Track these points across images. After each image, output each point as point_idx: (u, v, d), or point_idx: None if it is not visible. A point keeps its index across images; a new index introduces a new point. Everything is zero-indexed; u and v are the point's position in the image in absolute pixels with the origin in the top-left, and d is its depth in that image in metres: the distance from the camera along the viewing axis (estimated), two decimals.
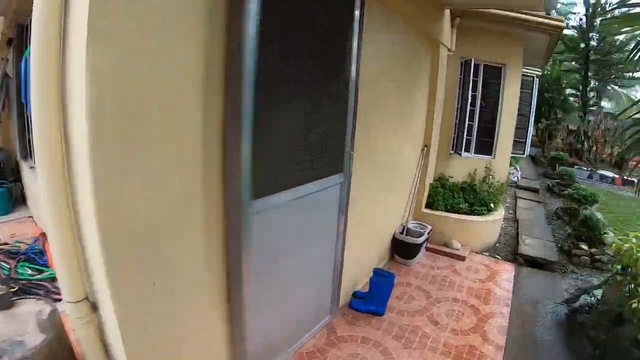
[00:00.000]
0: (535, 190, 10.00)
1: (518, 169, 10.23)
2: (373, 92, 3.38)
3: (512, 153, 6.88)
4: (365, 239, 3.98)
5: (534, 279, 5.14)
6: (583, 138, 15.69)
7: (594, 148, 15.83)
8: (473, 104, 5.92)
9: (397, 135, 4.30)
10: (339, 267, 3.27)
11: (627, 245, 3.55)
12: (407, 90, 4.42)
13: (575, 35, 17.08)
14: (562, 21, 5.68)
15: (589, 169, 14.45)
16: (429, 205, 5.62)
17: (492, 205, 5.81)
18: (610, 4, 16.32)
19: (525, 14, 5.37)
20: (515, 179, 10.04)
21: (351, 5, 2.54)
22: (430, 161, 5.51)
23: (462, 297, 4.21)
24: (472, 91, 5.83)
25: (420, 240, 4.74)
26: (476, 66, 5.81)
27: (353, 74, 2.69)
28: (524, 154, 7.59)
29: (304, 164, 2.39)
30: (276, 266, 2.41)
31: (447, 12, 5.04)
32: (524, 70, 6.56)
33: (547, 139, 15.33)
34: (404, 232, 4.93)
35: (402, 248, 4.76)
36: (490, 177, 6.21)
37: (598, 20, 16.25)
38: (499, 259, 5.51)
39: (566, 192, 10.13)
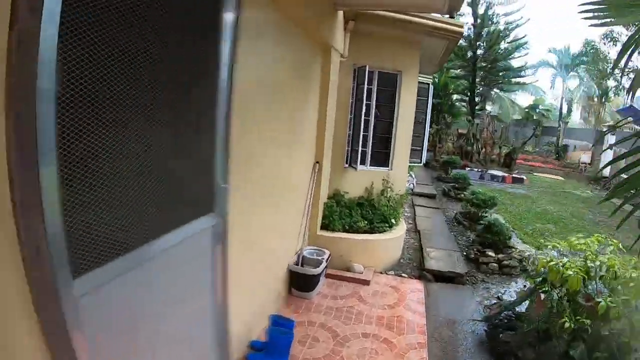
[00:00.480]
0: (432, 197, 10.43)
1: (413, 175, 10.63)
2: (254, 106, 2.92)
3: (409, 162, 6.96)
4: (256, 279, 3.50)
5: (446, 296, 5.11)
6: (473, 141, 17.10)
7: (484, 149, 17.33)
8: (368, 113, 5.76)
9: (285, 153, 3.89)
10: (223, 321, 2.76)
11: (553, 261, 3.55)
12: (295, 101, 4.04)
13: (464, 44, 18.65)
14: (461, 26, 5.78)
15: (480, 170, 15.69)
16: (325, 227, 5.30)
17: (392, 220, 5.72)
18: (497, 15, 18.33)
19: (425, 18, 5.35)
20: (411, 186, 10.37)
21: (217, 7, 2.08)
22: (323, 178, 5.19)
23: (372, 331, 3.93)
24: (367, 100, 5.65)
25: (319, 270, 4.38)
26: (370, 73, 5.65)
27: (223, 88, 2.22)
28: (421, 163, 7.78)
29: (153, 213, 1.83)
30: (129, 346, 1.83)
31: (340, 14, 4.79)
32: (419, 77, 6.64)
33: (438, 143, 16.39)
34: (300, 262, 4.55)
35: (299, 280, 4.36)
36: (389, 189, 6.14)
37: (485, 31, 18.04)
38: (405, 277, 5.42)
39: (462, 195, 10.74)
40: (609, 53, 20.07)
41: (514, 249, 6.57)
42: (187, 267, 2.24)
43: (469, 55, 18.61)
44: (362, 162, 5.90)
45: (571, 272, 3.29)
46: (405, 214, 8.25)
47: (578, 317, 3.22)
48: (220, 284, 2.61)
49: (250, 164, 3.01)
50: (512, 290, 5.66)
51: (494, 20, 18.32)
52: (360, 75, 5.63)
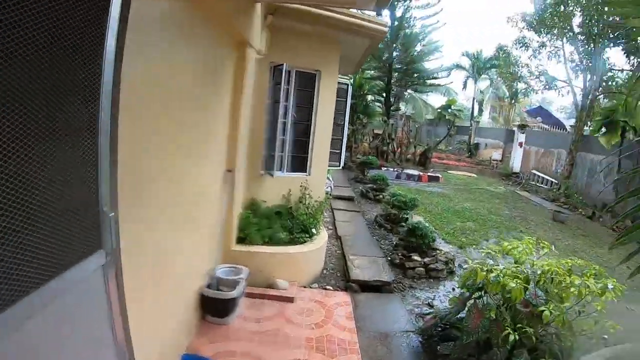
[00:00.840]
0: (350, 199, 10.46)
1: (330, 178, 10.61)
2: (151, 112, 2.51)
3: (328, 166, 6.82)
4: (163, 312, 3.06)
5: (375, 307, 5.01)
6: (388, 140, 17.65)
7: (399, 149, 17.95)
8: (285, 115, 5.53)
9: (192, 163, 3.48)
10: None
11: (493, 272, 3.52)
12: (204, 104, 3.64)
13: (381, 45, 19.16)
14: (385, 25, 5.73)
15: (396, 170, 16.20)
16: (242, 240, 4.96)
17: (313, 229, 5.53)
18: (414, 18, 19.07)
19: (348, 15, 5.20)
20: (329, 189, 10.34)
21: None
22: (237, 187, 4.83)
23: (303, 355, 3.68)
24: (284, 101, 5.40)
25: (234, 293, 4.01)
26: (288, 72, 5.41)
27: (107, 92, 1.81)
28: (340, 166, 7.69)
29: (25, 261, 1.39)
30: None
31: (258, 7, 4.45)
32: (338, 77, 6.53)
33: (354, 144, 16.69)
34: (215, 284, 4.17)
35: (214, 305, 3.97)
36: (308, 196, 5.93)
37: (402, 33, 18.70)
38: (330, 289, 5.25)
39: (381, 196, 10.92)
40: (520, 57, 21.94)
41: (438, 251, 6.73)
42: (79, 318, 1.81)
43: (385, 57, 19.20)
44: (279, 168, 5.64)
45: (514, 284, 3.28)
46: (325, 219, 8.15)
47: (519, 325, 3.26)
48: (120, 328, 2.19)
49: (146, 181, 2.59)
50: (441, 294, 5.76)
51: (411, 23, 19.09)
52: (278, 74, 5.35)
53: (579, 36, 17.08)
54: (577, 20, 16.90)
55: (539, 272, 3.64)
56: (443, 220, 10.11)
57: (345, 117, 7.31)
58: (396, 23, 18.53)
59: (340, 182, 12.23)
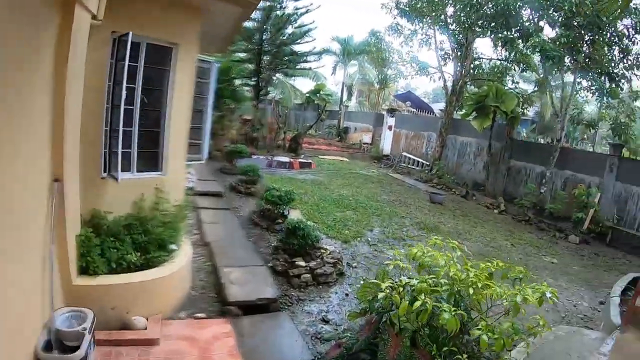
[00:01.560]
0: (218, 195, 9.64)
1: (193, 171, 9.65)
2: None
3: (188, 161, 5.94)
4: None
5: (263, 334, 4.43)
6: (258, 127, 17.06)
7: (270, 135, 17.48)
8: (131, 101, 4.54)
9: None
10: None
11: (419, 302, 3.04)
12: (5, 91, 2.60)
13: (251, 26, 18.52)
14: None
15: (267, 157, 15.71)
16: (85, 270, 3.93)
17: (173, 245, 4.71)
18: None
19: None
20: (191, 184, 9.39)
21: None
22: (69, 198, 3.69)
23: None
24: (129, 82, 4.36)
25: (81, 353, 3.07)
26: (136, 45, 4.40)
27: None
28: (203, 159, 6.78)
29: None
30: None
31: None
32: (200, 56, 5.66)
33: (221, 131, 15.80)
34: (53, 340, 3.16)
35: None
36: (164, 201, 5.02)
37: (275, 14, 18.12)
38: (203, 317, 4.51)
39: (253, 189, 10.31)
40: (392, 43, 22.89)
41: (323, 251, 6.38)
42: None
43: (255, 38, 18.73)
44: (127, 168, 4.67)
45: (448, 315, 2.89)
46: (188, 220, 7.28)
47: (446, 349, 2.99)
48: None
49: None
50: (335, 303, 5.45)
51: (284, 3, 18.84)
52: (122, 48, 4.22)
53: (451, 25, 18.52)
54: (450, 10, 18.37)
55: (467, 289, 3.32)
56: (321, 211, 9.91)
57: (207, 102, 6.44)
58: (268, 3, 18.07)
59: (205, 175, 11.22)
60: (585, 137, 23.38)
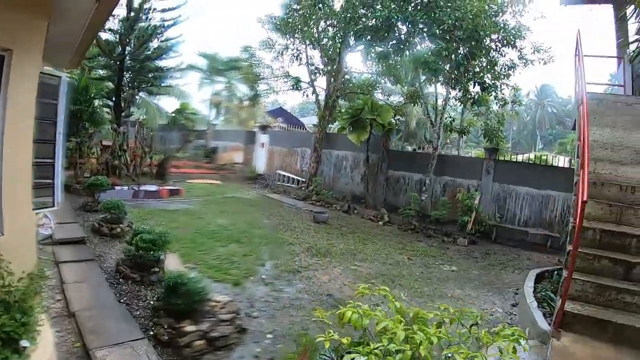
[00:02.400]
0: (80, 242, 7.82)
1: (49, 215, 7.74)
2: None
3: (36, 208, 4.42)
4: None
5: None
6: (120, 152, 15.04)
7: (133, 162, 15.52)
8: None
9: None
10: None
11: None
12: None
13: (113, 38, 17.01)
14: None
15: (132, 187, 13.85)
16: None
17: (24, 341, 3.20)
18: (154, 9, 16.82)
19: None
20: (48, 231, 7.55)
21: None
22: None
23: None
24: None
25: None
26: None
27: None
28: (56, 204, 5.19)
29: None
30: None
31: None
32: (46, 68, 4.21)
33: (79, 159, 13.54)
34: None
35: None
36: (6, 273, 3.44)
37: (139, 25, 16.35)
38: None
39: (119, 229, 8.69)
40: (264, 59, 22.26)
41: (214, 304, 5.21)
42: None
43: (116, 53, 16.95)
44: None
45: None
46: (49, 282, 5.59)
47: None
48: None
49: None
50: None
51: (150, 15, 17.40)
52: None
53: (322, 41, 18.36)
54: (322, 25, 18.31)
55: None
56: (201, 248, 8.60)
57: (57, 127, 4.91)
58: (132, 14, 16.29)
59: (65, 215, 9.10)
60: (449, 142, 24.93)
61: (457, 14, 12.10)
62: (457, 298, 7.36)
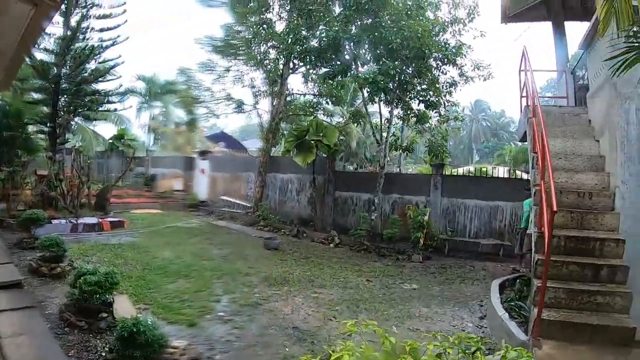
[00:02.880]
0: (16, 285, 6.95)
1: None
2: None
3: None
4: None
5: None
6: (56, 183, 13.97)
7: (70, 192, 14.45)
8: None
9: None
10: None
11: None
12: None
13: (48, 59, 16.00)
14: None
15: (70, 220, 12.85)
16: None
17: None
18: (92, 28, 16.03)
19: None
20: None
21: None
22: None
23: None
24: None
25: None
26: None
27: None
28: None
29: None
30: None
31: None
32: None
33: (12, 190, 12.44)
34: None
35: None
36: None
37: (76, 45, 15.48)
38: None
39: (59, 269, 7.93)
40: (203, 81, 21.70)
41: (173, 350, 4.72)
42: None
43: (51, 74, 15.81)
44: None
45: None
46: None
47: None
48: None
49: None
50: None
51: (87, 34, 16.53)
52: None
53: (264, 62, 18.12)
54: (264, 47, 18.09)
55: None
56: (149, 285, 7.85)
57: None
58: (69, 32, 15.47)
59: None
60: (389, 159, 25.30)
61: (404, 33, 12.30)
62: (425, 317, 7.21)
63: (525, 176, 14.31)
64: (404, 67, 13.36)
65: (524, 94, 8.31)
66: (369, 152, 24.45)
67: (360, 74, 13.87)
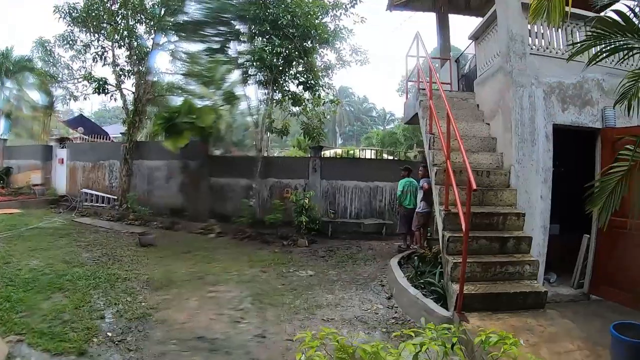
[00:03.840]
0: None
1: None
2: None
3: None
4: None
5: None
6: None
7: None
8: None
9: None
10: None
11: None
12: None
13: None
14: None
15: None
16: None
17: None
18: None
19: None
20: None
21: None
22: None
23: None
24: None
25: None
26: None
27: None
28: None
29: None
30: None
31: None
32: None
33: None
34: None
35: None
36: None
37: None
38: None
39: None
40: (63, 57, 18.49)
41: None
42: None
43: None
44: None
45: None
46: None
47: None
48: None
49: None
50: None
51: None
52: None
53: (132, 37, 16.09)
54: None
55: None
56: (17, 308, 6.14)
57: None
58: None
59: None
60: (254, 143, 24.84)
61: (290, 11, 11.98)
62: (334, 304, 6.96)
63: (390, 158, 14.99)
64: (290, 46, 13.06)
65: (414, 80, 8.61)
66: (236, 136, 23.53)
67: (245, 50, 13.14)
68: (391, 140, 23.27)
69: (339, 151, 22.43)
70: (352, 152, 21.62)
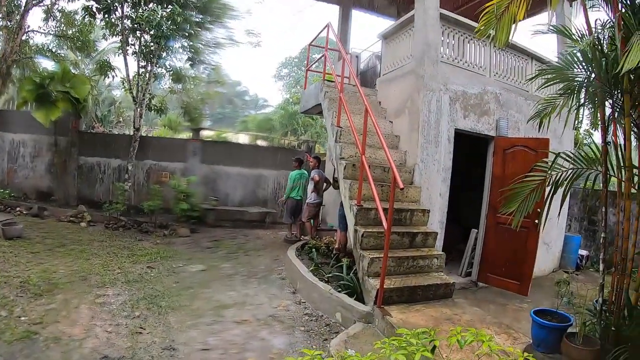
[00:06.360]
0: None
1: None
2: None
3: None
4: None
5: None
6: None
7: None
8: None
9: None
10: None
11: None
12: None
13: None
14: None
15: None
16: None
17: None
18: None
19: None
20: None
21: None
22: None
23: None
24: None
25: None
26: None
27: None
28: None
29: None
30: None
31: None
32: None
33: None
34: None
35: None
36: None
37: None
38: None
39: None
40: None
41: None
42: None
43: None
44: None
45: None
46: None
47: None
48: None
49: None
50: None
51: None
52: None
53: None
54: None
55: None
56: None
57: None
58: None
59: None
60: (122, 120, 22.99)
61: None
62: (241, 303, 6.52)
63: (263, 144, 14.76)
64: (191, 16, 12.09)
65: (317, 69, 8.59)
66: (101, 110, 21.38)
67: (138, 14, 11.71)
68: (267, 126, 23.19)
69: (211, 133, 21.61)
70: (224, 135, 21.03)
